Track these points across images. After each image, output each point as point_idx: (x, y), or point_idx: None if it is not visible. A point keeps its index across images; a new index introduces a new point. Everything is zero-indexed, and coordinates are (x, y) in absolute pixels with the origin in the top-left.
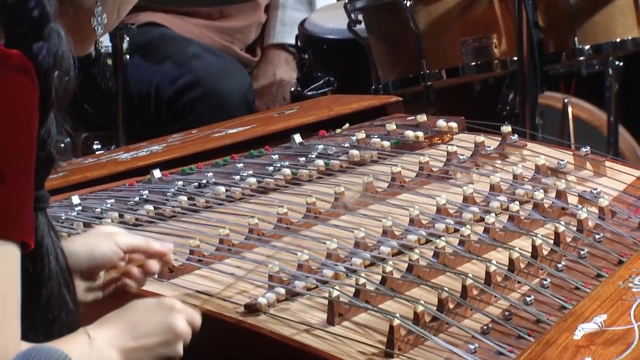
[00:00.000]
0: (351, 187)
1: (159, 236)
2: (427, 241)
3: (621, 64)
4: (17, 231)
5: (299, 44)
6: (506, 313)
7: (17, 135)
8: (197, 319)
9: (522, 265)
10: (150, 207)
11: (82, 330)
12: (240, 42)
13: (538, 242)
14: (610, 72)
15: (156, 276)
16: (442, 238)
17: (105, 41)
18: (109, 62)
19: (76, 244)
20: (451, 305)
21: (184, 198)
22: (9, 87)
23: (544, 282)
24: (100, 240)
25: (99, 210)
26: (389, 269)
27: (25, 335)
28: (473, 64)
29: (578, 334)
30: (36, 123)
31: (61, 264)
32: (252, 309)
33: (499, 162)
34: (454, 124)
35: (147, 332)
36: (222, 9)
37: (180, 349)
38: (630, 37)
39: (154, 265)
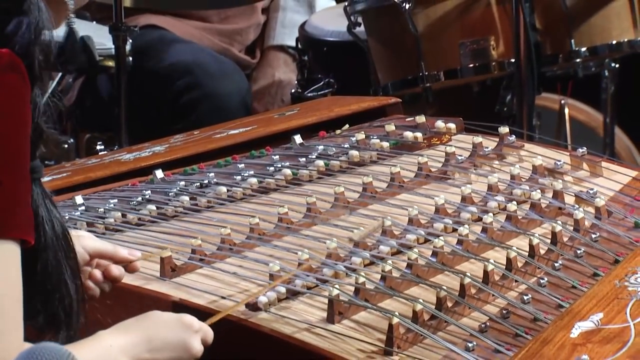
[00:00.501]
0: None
1: (162, 235)
2: (426, 240)
3: (617, 65)
4: (15, 229)
5: (299, 45)
6: (504, 311)
7: (11, 135)
8: (210, 338)
9: (520, 265)
10: (152, 207)
11: (99, 333)
12: (239, 44)
13: (535, 241)
14: (607, 73)
15: (158, 275)
16: (441, 237)
17: (108, 43)
18: (111, 63)
19: None
20: (449, 304)
21: (186, 198)
22: (1, 87)
23: (541, 281)
24: None
25: (102, 210)
26: (388, 268)
27: (25, 311)
28: (471, 65)
29: (575, 332)
30: (29, 120)
31: (57, 233)
32: (254, 307)
33: (497, 162)
34: (452, 125)
35: (162, 347)
36: (221, 11)
37: None
38: (626, 39)
39: (116, 270)
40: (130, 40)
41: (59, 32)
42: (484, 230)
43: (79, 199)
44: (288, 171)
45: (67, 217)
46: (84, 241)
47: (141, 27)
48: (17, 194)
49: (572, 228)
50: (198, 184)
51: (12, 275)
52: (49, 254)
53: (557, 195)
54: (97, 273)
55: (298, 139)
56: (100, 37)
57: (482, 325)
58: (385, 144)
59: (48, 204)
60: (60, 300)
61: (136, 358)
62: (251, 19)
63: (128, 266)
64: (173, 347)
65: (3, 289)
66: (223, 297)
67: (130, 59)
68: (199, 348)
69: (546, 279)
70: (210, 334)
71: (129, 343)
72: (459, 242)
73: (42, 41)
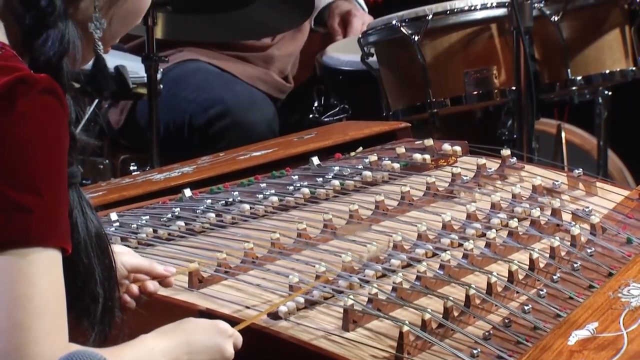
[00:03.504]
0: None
1: (190, 250)
2: (434, 254)
3: (610, 93)
4: (57, 238)
5: (317, 74)
6: (506, 320)
7: (49, 152)
8: (240, 343)
9: (521, 277)
10: (181, 223)
11: (142, 336)
12: (277, 69)
13: (535, 255)
14: (600, 100)
15: (187, 286)
16: (448, 252)
17: (141, 72)
18: (144, 91)
19: None
20: (456, 313)
21: (212, 215)
22: (38, 109)
23: (541, 292)
24: None
25: (134, 226)
26: (399, 279)
27: None
28: (475, 93)
29: (572, 340)
30: (66, 139)
31: (91, 234)
32: (274, 316)
33: (499, 182)
34: (458, 148)
35: (199, 350)
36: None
37: None
38: (618, 69)
39: (152, 286)
40: (161, 69)
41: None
42: (488, 245)
43: (113, 216)
44: (306, 190)
45: None
46: (123, 257)
47: (181, 61)
48: (56, 205)
49: (569, 243)
50: (223, 202)
51: (57, 280)
52: (81, 253)
53: (555, 212)
54: (134, 288)
55: (316, 160)
56: (133, 66)
57: (486, 333)
58: (396, 165)
59: (85, 208)
60: (92, 297)
61: (176, 359)
62: (293, 45)
63: (163, 281)
64: (209, 350)
65: (49, 293)
66: (246, 307)
67: (161, 86)
68: (231, 352)
69: (545, 290)
70: (240, 339)
71: (170, 346)
72: (465, 256)
73: (70, 52)
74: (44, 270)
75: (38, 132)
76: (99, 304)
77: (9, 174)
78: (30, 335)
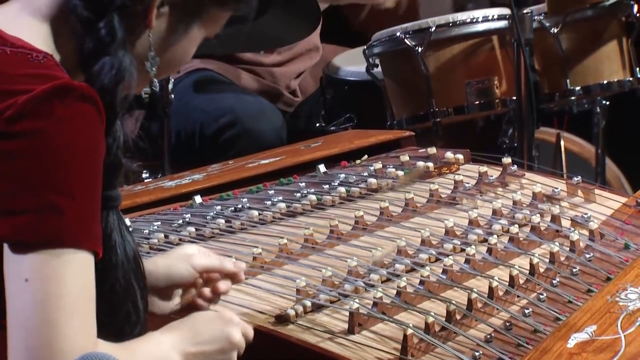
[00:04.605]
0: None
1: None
2: (437, 259)
3: (608, 103)
4: (89, 241)
5: (323, 85)
6: (507, 324)
7: (83, 156)
8: (251, 333)
9: (521, 281)
10: (192, 228)
11: (150, 333)
12: (285, 84)
13: (535, 260)
14: (598, 110)
15: None
16: (450, 257)
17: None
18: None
19: (156, 264)
20: (458, 317)
21: (222, 221)
22: (75, 115)
23: (541, 296)
24: (179, 261)
25: (147, 231)
26: (403, 284)
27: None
28: (477, 102)
29: (571, 343)
30: (102, 146)
31: (129, 256)
32: (282, 319)
33: (500, 189)
34: (460, 156)
35: (206, 340)
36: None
37: (234, 357)
38: (615, 80)
39: (223, 285)
40: (172, 79)
41: None
42: (489, 250)
43: (126, 222)
44: (313, 197)
45: None
46: (192, 260)
47: (193, 70)
48: (88, 209)
49: (568, 249)
50: (232, 208)
51: (88, 281)
52: (119, 273)
53: (555, 219)
54: (207, 291)
55: (322, 168)
56: None
57: (488, 336)
58: (400, 173)
59: (123, 230)
60: (127, 316)
61: (184, 351)
62: (305, 64)
63: (234, 277)
64: (216, 339)
65: (80, 293)
66: (254, 310)
67: (172, 96)
68: (238, 338)
69: (545, 294)
70: (249, 330)
71: (177, 339)
72: (467, 261)
73: (125, 80)
74: (75, 270)
75: (74, 137)
76: (131, 323)
77: (44, 176)
78: (60, 332)
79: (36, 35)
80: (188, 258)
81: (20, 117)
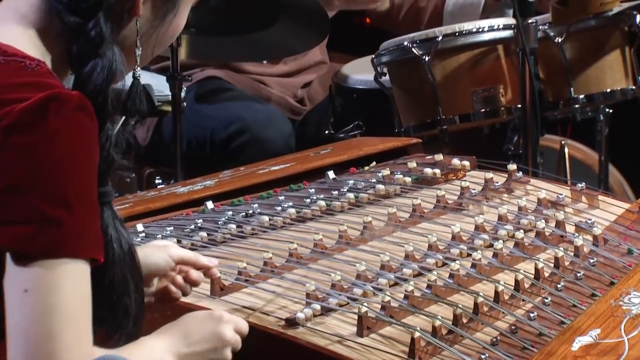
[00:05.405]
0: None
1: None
2: (444, 264)
3: (611, 111)
4: (85, 250)
5: (332, 93)
6: (512, 327)
7: (79, 168)
8: (244, 327)
9: (527, 286)
10: (204, 233)
11: (142, 338)
12: (292, 94)
13: (540, 265)
14: (601, 117)
15: (209, 294)
16: (457, 261)
17: (165, 90)
18: (168, 108)
19: None
20: (465, 320)
21: (233, 226)
22: (70, 126)
23: (546, 300)
24: (156, 250)
25: (160, 236)
26: (410, 288)
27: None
28: (482, 110)
29: (575, 346)
30: (96, 154)
31: (125, 250)
32: (292, 322)
33: (506, 195)
34: (466, 163)
35: (198, 340)
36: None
37: (228, 354)
38: (618, 88)
39: (195, 274)
40: (185, 88)
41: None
42: (495, 255)
43: (139, 227)
44: (322, 203)
45: None
46: (169, 250)
47: (203, 78)
48: (86, 218)
49: (572, 254)
50: (244, 213)
51: (84, 290)
52: (116, 269)
53: (559, 224)
54: (179, 278)
55: (331, 174)
56: (158, 85)
57: (494, 339)
58: (408, 179)
59: (117, 225)
60: (125, 310)
61: (178, 353)
62: (312, 75)
63: (207, 272)
64: (207, 338)
65: (78, 303)
66: (265, 313)
67: (185, 104)
68: (230, 335)
69: (550, 298)
70: (243, 325)
71: (170, 341)
72: (473, 265)
73: (116, 81)
74: (72, 281)
75: (69, 150)
76: (131, 317)
77: (41, 188)
78: (60, 343)
79: (26, 42)
80: (165, 248)
81: (16, 128)
